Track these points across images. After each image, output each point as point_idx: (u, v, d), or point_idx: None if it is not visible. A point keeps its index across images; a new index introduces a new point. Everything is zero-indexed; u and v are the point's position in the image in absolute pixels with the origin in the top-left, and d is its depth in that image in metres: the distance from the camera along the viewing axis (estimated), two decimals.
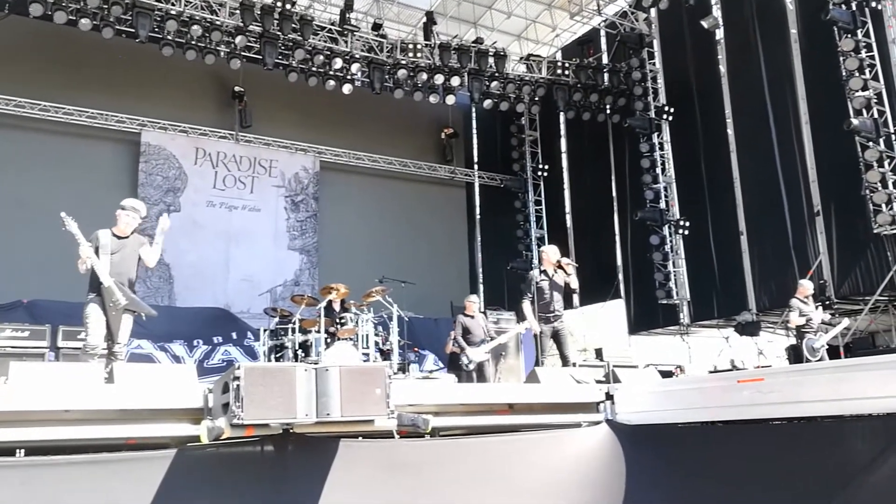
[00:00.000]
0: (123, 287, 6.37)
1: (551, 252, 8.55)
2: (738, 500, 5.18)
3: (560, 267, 8.40)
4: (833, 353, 10.32)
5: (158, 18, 13.41)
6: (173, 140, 16.38)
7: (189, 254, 16.00)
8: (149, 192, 15.97)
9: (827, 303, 11.94)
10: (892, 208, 11.81)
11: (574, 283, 8.42)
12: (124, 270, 6.46)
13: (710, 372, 12.20)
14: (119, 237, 6.51)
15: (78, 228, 6.27)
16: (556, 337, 8.22)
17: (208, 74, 16.29)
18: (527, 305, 8.24)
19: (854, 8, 12.24)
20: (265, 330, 10.73)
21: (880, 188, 11.85)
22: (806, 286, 10.22)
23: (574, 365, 8.28)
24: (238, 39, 14.14)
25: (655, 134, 16.20)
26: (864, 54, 12.18)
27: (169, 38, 13.69)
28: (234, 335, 13.90)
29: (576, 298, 18.14)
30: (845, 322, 10.42)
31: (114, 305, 6.20)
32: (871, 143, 11.99)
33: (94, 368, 5.65)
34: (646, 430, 5.71)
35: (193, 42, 13.94)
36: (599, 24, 17.57)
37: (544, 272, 8.34)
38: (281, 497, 4.78)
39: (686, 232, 15.63)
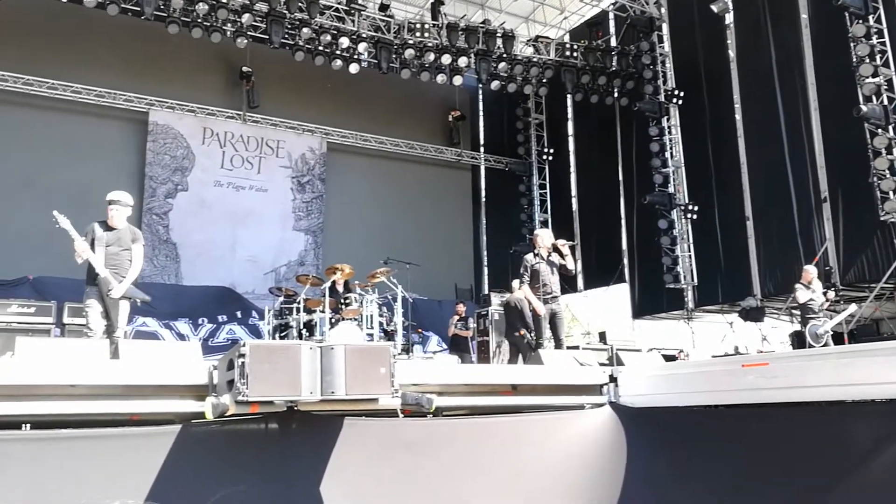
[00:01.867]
0: (119, 276, 6.65)
1: (545, 235, 8.53)
2: (741, 483, 5.19)
3: (556, 250, 8.38)
4: (838, 339, 10.30)
5: None
6: (181, 119, 16.39)
7: (196, 233, 16.08)
8: (156, 171, 16.01)
9: (833, 289, 11.91)
10: None
11: (570, 265, 8.39)
12: (119, 261, 6.72)
13: (714, 357, 12.22)
14: (111, 228, 6.76)
15: (70, 224, 6.50)
16: (552, 319, 8.20)
17: (216, 54, 16.26)
18: (526, 288, 8.21)
19: None
20: (270, 309, 10.77)
21: (888, 175, 11.78)
22: (809, 271, 10.24)
23: (566, 348, 8.29)
24: (244, 17, 14.07)
25: (664, 118, 16.12)
26: (875, 40, 12.07)
27: (175, 15, 13.62)
28: (238, 314, 13.98)
29: (580, 282, 18.23)
30: (850, 309, 10.40)
31: (109, 294, 6.50)
32: (880, 131, 11.91)
33: (100, 344, 5.71)
34: (649, 412, 5.72)
35: (199, 20, 13.86)
36: (608, 7, 17.45)
37: (538, 255, 8.31)
38: (285, 474, 4.81)
39: (694, 217, 15.59)
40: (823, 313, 9.79)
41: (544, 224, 19.34)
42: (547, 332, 8.24)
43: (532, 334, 8.44)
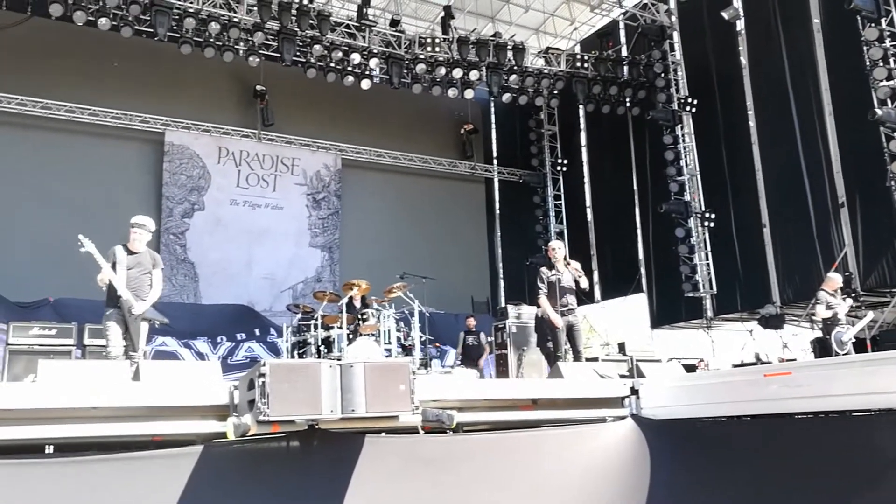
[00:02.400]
0: (139, 299, 6.79)
1: (558, 247, 8.53)
2: (765, 494, 5.13)
3: (569, 263, 8.40)
4: (859, 345, 10.17)
5: (177, 17, 13.49)
6: (197, 139, 16.53)
7: (212, 252, 16.17)
8: (173, 191, 16.13)
9: (853, 295, 11.78)
10: None
11: (584, 284, 8.39)
12: (139, 284, 6.86)
13: (735, 366, 12.11)
14: (132, 252, 6.92)
15: (95, 248, 6.62)
16: (570, 331, 8.17)
17: (230, 74, 16.40)
18: (544, 300, 8.19)
19: None
20: (288, 326, 10.79)
21: None
22: (834, 279, 10.05)
23: (585, 360, 8.25)
24: (256, 36, 14.18)
25: (678, 126, 16.07)
26: (888, 43, 11.99)
27: (187, 36, 13.76)
28: (257, 332, 14.01)
29: (597, 293, 18.17)
30: (871, 315, 10.28)
31: (132, 315, 6.62)
32: (895, 134, 11.80)
33: (121, 366, 5.74)
34: (671, 424, 5.68)
35: (212, 39, 13.99)
36: (619, 17, 17.45)
37: (554, 267, 8.31)
38: (307, 493, 4.81)
39: (712, 224, 15.50)
40: (846, 319, 9.66)
41: (560, 235, 19.31)
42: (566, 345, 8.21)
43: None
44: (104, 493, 4.38)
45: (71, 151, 15.21)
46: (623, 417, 5.87)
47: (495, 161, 20.60)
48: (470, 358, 12.90)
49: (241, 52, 14.49)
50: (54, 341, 9.43)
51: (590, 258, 18.76)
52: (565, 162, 19.55)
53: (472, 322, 13.35)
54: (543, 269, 8.42)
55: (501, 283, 20.12)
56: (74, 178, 14.94)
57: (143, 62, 15.56)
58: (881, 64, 11.91)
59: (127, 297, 6.62)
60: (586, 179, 19.33)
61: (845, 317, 9.80)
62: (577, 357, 8.07)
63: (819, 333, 11.02)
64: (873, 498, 4.67)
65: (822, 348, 10.19)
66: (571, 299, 8.26)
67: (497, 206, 20.67)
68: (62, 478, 4.31)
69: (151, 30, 13.40)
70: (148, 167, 16.21)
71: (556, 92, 17.32)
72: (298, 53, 14.83)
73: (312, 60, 15.08)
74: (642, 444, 5.69)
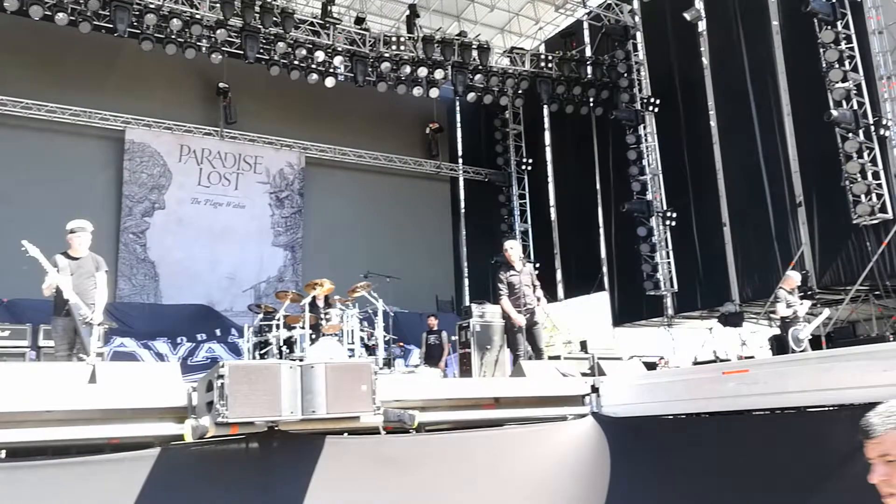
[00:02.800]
0: (87, 303, 6.72)
1: (514, 247, 8.60)
2: (724, 491, 5.21)
3: (525, 263, 8.51)
4: (815, 342, 10.38)
5: (137, 12, 13.26)
6: (158, 137, 16.28)
7: (174, 251, 15.96)
8: (133, 189, 15.89)
9: (809, 293, 12.03)
10: (871, 199, 11.91)
11: (538, 293, 8.50)
12: (84, 289, 6.78)
13: (694, 363, 12.28)
14: (74, 258, 6.84)
15: (40, 253, 6.55)
16: (530, 330, 8.24)
17: (193, 71, 16.18)
18: (505, 301, 8.27)
19: (834, 0, 12.31)
20: (249, 327, 10.68)
21: (860, 179, 11.94)
22: (792, 278, 10.24)
23: (547, 358, 8.33)
24: (219, 33, 14.01)
25: (641, 126, 16.25)
26: (843, 46, 12.26)
27: (148, 32, 13.55)
28: (218, 332, 13.85)
29: (560, 291, 18.30)
30: (826, 312, 10.49)
31: (82, 319, 6.56)
32: (850, 135, 12.07)
33: (77, 368, 5.62)
34: (631, 422, 5.73)
35: (173, 36, 13.79)
36: (583, 17, 17.58)
37: (512, 267, 8.38)
38: (267, 495, 4.76)
39: (673, 223, 15.69)
40: (804, 317, 9.85)
41: (525, 234, 19.42)
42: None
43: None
44: (59, 499, 4.29)
45: (27, 149, 14.88)
46: (584, 415, 5.91)
47: (460, 160, 20.62)
48: (432, 357, 12.94)
49: (203, 49, 14.31)
50: (8, 343, 9.26)
51: (553, 257, 18.90)
52: (530, 161, 19.65)
53: (433, 321, 13.36)
54: (502, 271, 8.50)
55: (466, 282, 20.16)
56: (31, 177, 14.60)
57: (103, 59, 15.31)
58: (837, 66, 12.16)
59: (76, 302, 6.57)
60: (550, 179, 19.45)
61: (805, 316, 9.99)
62: (538, 356, 8.12)
63: (777, 331, 11.22)
64: (829, 492, 4.76)
65: (779, 345, 10.38)
66: (531, 299, 8.31)
67: (462, 204, 20.71)
68: (15, 483, 4.21)
69: (111, 25, 13.16)
70: (107, 165, 15.95)
71: (520, 92, 17.40)
72: (262, 51, 14.70)
73: (276, 58, 14.95)
74: (602, 441, 5.73)
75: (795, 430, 5.06)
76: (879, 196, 11.95)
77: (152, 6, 13.31)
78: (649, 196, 16.06)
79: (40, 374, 5.38)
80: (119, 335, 12.04)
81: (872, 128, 12.12)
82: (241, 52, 14.42)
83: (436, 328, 13.19)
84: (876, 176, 12.01)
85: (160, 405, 4.69)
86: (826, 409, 4.91)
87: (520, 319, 8.10)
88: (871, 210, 11.89)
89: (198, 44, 14.15)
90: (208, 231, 16.49)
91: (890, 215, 11.92)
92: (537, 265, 18.57)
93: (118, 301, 14.21)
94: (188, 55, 14.15)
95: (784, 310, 9.69)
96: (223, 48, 14.51)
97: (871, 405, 4.63)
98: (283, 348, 9.73)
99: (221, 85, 16.57)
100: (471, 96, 17.14)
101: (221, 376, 4.27)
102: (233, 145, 17.12)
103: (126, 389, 4.74)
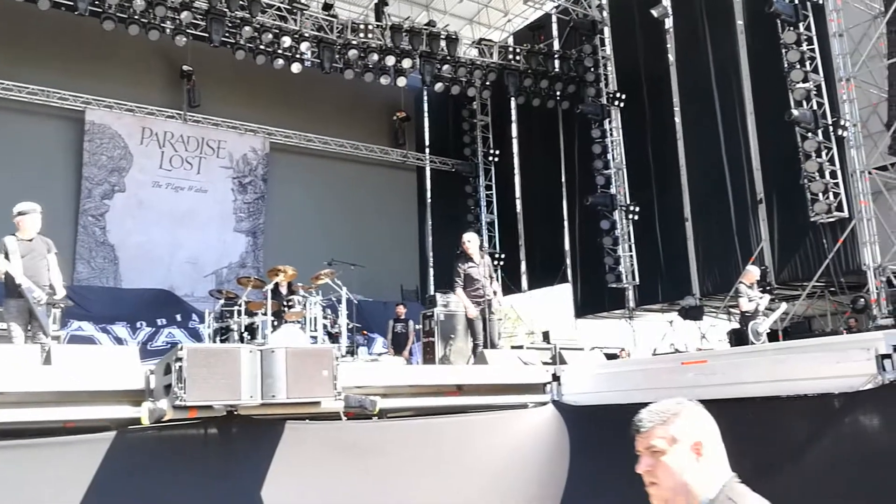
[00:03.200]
0: (39, 285, 6.63)
1: (472, 240, 8.66)
2: None
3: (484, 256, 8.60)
4: (772, 336, 10.58)
5: None
6: (119, 119, 15.98)
7: (134, 235, 15.71)
8: (93, 171, 15.58)
9: (767, 288, 12.25)
10: (828, 197, 12.16)
11: (495, 286, 8.60)
12: (36, 270, 6.70)
13: (653, 355, 12.44)
14: (24, 240, 6.74)
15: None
16: (485, 321, 8.34)
17: (156, 53, 15.89)
18: (460, 291, 8.40)
19: (797, 1, 12.50)
20: (210, 312, 10.55)
21: (818, 178, 12.17)
22: (752, 272, 10.40)
23: (510, 347, 8.42)
24: (183, 15, 13.78)
25: (606, 120, 16.37)
26: (805, 47, 12.47)
27: (110, 11, 13.26)
28: (178, 317, 13.70)
29: (524, 282, 18.42)
30: (784, 307, 10.71)
31: (37, 301, 6.46)
32: (809, 134, 12.29)
33: (30, 350, 5.51)
34: (591, 410, 5.78)
35: (136, 17, 13.52)
36: (552, 10, 17.63)
37: (471, 259, 8.45)
38: (225, 480, 4.71)
39: (636, 217, 15.86)
40: (763, 312, 10.02)
41: (490, 225, 19.49)
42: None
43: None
44: (12, 481, 4.20)
45: None
46: (545, 403, 5.95)
47: (427, 150, 20.60)
48: (398, 345, 12.97)
49: (167, 30, 14.07)
50: None
51: (518, 248, 19.00)
52: (497, 153, 19.70)
53: (401, 310, 13.37)
54: (460, 262, 8.56)
55: (431, 271, 20.18)
56: None
57: (63, 37, 14.93)
58: (798, 66, 12.37)
59: (28, 286, 6.46)
60: (517, 171, 19.53)
61: (764, 310, 10.17)
62: (492, 346, 8.23)
63: (735, 324, 11.40)
64: (781, 481, 4.86)
65: (738, 339, 10.55)
66: (487, 290, 8.40)
67: (428, 194, 20.70)
68: None
69: (71, 2, 12.86)
70: (66, 147, 15.61)
71: (488, 83, 17.43)
72: (227, 34, 14.50)
73: (242, 42, 14.76)
74: (562, 429, 5.78)
75: (749, 420, 5.15)
76: (836, 195, 12.20)
77: None
78: (613, 190, 16.20)
79: None
80: (77, 319, 11.83)
81: (831, 128, 12.36)
82: (206, 35, 14.20)
83: (403, 317, 13.19)
84: (833, 175, 12.25)
85: (117, 388, 4.60)
86: (780, 399, 5.00)
87: (472, 310, 8.22)
88: (829, 208, 12.15)
89: (162, 25, 13.90)
90: (169, 215, 16.26)
91: (846, 213, 12.19)
92: (502, 256, 18.83)
93: (76, 284, 13.95)
94: (151, 37, 13.89)
95: (746, 304, 9.83)
96: (188, 30, 14.29)
97: (823, 396, 4.73)
98: (245, 335, 9.64)
99: (185, 68, 16.30)
100: (438, 86, 17.12)
101: (180, 359, 4.21)
102: (196, 129, 16.87)
103: (82, 372, 4.65)
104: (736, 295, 10.11)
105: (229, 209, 17.14)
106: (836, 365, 4.55)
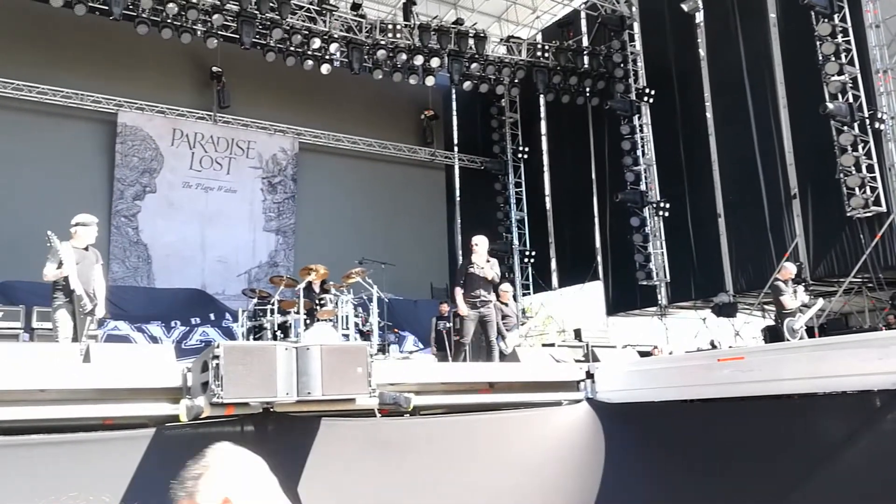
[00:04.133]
0: (89, 291, 6.89)
1: (480, 243, 8.72)
2: (716, 476, 5.23)
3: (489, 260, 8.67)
4: (808, 333, 10.41)
5: None
6: (150, 121, 16.18)
7: (166, 234, 15.91)
8: (125, 173, 15.80)
9: (803, 284, 12.06)
10: (865, 192, 11.93)
11: (489, 275, 8.62)
12: (87, 279, 6.93)
13: (688, 352, 12.31)
14: (79, 249, 7.02)
15: (61, 245, 6.72)
16: (482, 321, 8.47)
17: (186, 54, 16.07)
18: (457, 290, 8.56)
19: None
20: (243, 311, 10.65)
21: (854, 172, 11.94)
22: (788, 269, 10.21)
23: (501, 350, 8.70)
24: (215, 18, 13.93)
25: (636, 116, 16.22)
26: (840, 39, 12.23)
27: (144, 16, 13.45)
28: (212, 316, 13.84)
29: (555, 280, 18.37)
30: (820, 303, 10.53)
31: (83, 310, 6.70)
32: (845, 128, 12.06)
33: (71, 348, 5.60)
34: (626, 408, 5.75)
35: (169, 20, 13.71)
36: (580, 6, 17.52)
37: (473, 262, 8.54)
38: None
39: (666, 214, 15.70)
40: (799, 308, 9.84)
41: (520, 223, 19.43)
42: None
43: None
44: (53, 476, 4.27)
45: (18, 131, 14.72)
46: (578, 401, 5.93)
47: (456, 148, 20.56)
48: (442, 344, 12.78)
49: (199, 33, 14.22)
50: (1, 324, 9.19)
51: (548, 246, 18.92)
52: (526, 150, 19.61)
53: (444, 308, 13.15)
54: (463, 264, 8.80)
55: None
56: (22, 159, 14.46)
57: (97, 41, 15.16)
58: (833, 59, 12.13)
59: (80, 293, 6.68)
60: (546, 168, 19.44)
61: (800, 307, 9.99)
62: (488, 346, 8.31)
63: (769, 321, 11.22)
64: (820, 478, 4.79)
65: (773, 336, 10.39)
66: (486, 292, 8.51)
67: (457, 193, 20.66)
68: (8, 460, 4.20)
69: (106, 7, 13.06)
70: (99, 148, 15.83)
71: (516, 81, 17.35)
72: (258, 36, 14.61)
73: (272, 44, 14.87)
74: (597, 426, 5.75)
75: (787, 417, 5.09)
76: (874, 189, 11.97)
77: None
78: (643, 186, 16.05)
79: (33, 353, 5.35)
80: (113, 318, 12.00)
81: (867, 121, 12.12)
82: (237, 38, 14.33)
83: (447, 314, 13.03)
84: (870, 169, 12.02)
85: (155, 385, 4.67)
86: (818, 395, 4.93)
87: (464, 310, 8.35)
88: (865, 203, 11.92)
89: (193, 28, 14.06)
90: (199, 215, 16.43)
91: (884, 208, 11.95)
92: (532, 253, 18.80)
93: (112, 284, 14.14)
94: (184, 40, 14.06)
95: (791, 301, 9.59)
96: (219, 33, 14.42)
97: (862, 393, 4.65)
98: (278, 333, 9.72)
99: (215, 69, 16.46)
100: (467, 85, 17.10)
101: (217, 357, 4.26)
102: (225, 130, 17.03)
103: (120, 369, 4.72)
104: (776, 292, 9.90)
105: (259, 209, 17.27)
106: (878, 361, 4.47)
